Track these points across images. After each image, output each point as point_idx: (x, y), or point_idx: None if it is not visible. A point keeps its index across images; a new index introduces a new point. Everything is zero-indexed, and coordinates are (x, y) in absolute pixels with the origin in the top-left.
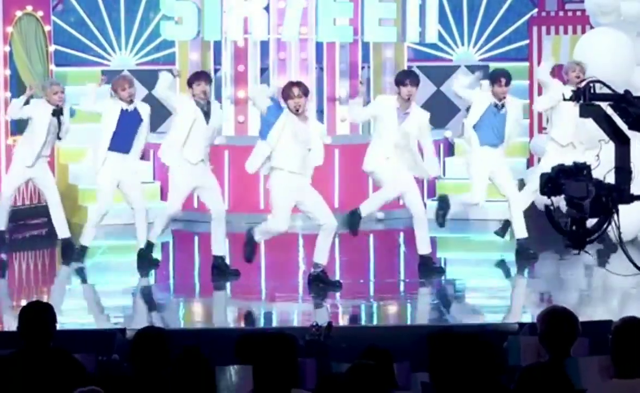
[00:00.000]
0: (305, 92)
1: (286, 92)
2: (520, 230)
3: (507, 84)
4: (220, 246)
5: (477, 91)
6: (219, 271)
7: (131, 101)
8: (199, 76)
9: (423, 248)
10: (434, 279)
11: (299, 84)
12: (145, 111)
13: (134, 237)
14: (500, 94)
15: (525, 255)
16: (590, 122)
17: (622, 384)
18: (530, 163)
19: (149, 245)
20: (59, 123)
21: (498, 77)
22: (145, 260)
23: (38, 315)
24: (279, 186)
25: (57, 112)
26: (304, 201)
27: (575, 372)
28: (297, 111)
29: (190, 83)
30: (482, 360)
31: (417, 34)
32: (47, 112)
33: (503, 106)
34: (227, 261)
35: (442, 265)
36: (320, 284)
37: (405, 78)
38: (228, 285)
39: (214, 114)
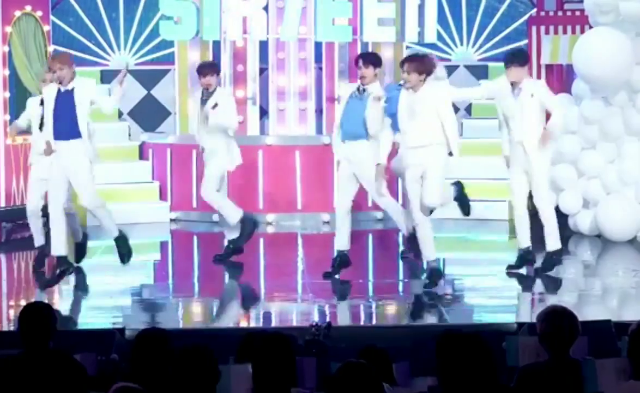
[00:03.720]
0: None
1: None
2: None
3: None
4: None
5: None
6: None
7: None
8: (202, 68)
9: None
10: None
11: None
12: None
13: (132, 237)
14: None
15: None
16: None
17: (639, 386)
18: None
19: None
20: None
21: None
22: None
23: (38, 316)
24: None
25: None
26: None
27: (592, 373)
28: None
29: (198, 73)
30: (491, 360)
31: (416, 34)
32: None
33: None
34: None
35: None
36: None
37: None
38: (227, 285)
39: (209, 101)
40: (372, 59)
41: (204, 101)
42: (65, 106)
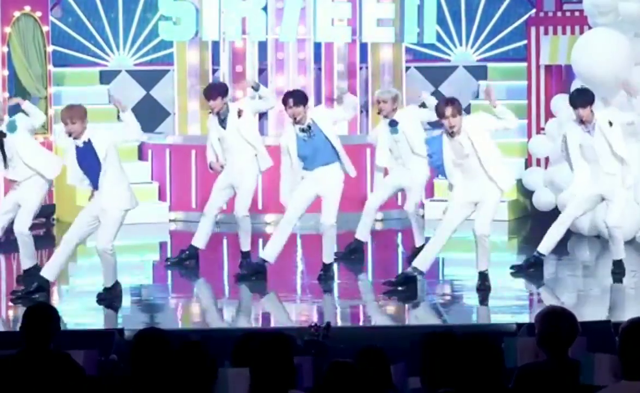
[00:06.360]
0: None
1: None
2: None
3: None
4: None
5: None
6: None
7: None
8: (205, 92)
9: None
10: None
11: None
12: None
13: (132, 237)
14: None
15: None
16: None
17: (630, 386)
18: (528, 163)
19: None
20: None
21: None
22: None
23: (42, 317)
24: None
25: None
26: None
27: (589, 369)
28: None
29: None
30: (479, 362)
31: (415, 35)
32: None
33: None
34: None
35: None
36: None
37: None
38: (225, 285)
39: (229, 120)
40: (302, 98)
41: (222, 121)
42: (89, 158)
